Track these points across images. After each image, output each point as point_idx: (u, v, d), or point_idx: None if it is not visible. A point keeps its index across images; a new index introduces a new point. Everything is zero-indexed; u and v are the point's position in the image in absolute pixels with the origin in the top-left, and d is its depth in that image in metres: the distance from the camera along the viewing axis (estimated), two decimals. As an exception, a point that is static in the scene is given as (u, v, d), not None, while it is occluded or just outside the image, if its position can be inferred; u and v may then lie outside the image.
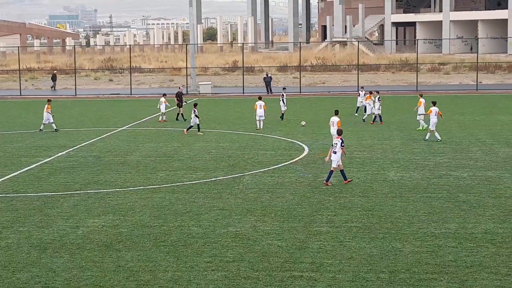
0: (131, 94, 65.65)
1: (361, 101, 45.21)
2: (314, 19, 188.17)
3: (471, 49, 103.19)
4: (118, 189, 24.91)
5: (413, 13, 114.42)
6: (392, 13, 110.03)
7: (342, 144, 25.00)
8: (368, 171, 27.37)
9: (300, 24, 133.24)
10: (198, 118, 38.40)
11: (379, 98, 41.29)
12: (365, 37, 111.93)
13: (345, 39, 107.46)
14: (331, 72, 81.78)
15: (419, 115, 38.31)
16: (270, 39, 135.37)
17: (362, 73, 71.69)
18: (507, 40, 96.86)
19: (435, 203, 22.02)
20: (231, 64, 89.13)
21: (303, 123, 41.23)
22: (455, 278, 15.44)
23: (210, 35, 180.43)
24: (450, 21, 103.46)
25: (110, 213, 21.53)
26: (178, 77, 79.83)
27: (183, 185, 25.44)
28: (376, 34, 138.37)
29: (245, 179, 26.27)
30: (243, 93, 65.03)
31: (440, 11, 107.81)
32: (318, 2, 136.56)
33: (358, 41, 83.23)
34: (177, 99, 45.20)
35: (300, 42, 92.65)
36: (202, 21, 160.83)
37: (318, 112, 47.98)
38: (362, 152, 31.67)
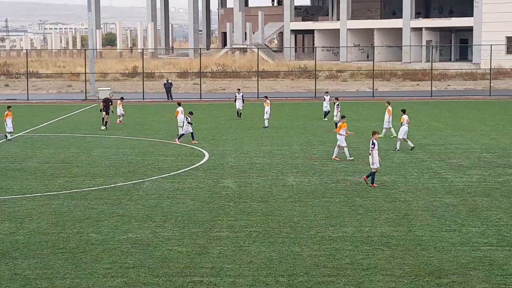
0: (28, 100, 64.21)
1: (326, 106, 46.57)
2: (214, 25, 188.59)
3: (368, 57, 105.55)
4: (14, 196, 24.35)
5: (311, 21, 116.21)
6: (291, 21, 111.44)
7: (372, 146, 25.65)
8: (268, 176, 27.65)
9: (201, 31, 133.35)
10: (191, 124, 36.80)
11: (337, 105, 41.43)
12: (265, 44, 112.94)
13: (245, 46, 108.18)
14: (231, 79, 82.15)
15: (388, 122, 38.01)
16: (171, 45, 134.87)
17: (262, 79, 72.30)
18: (401, 49, 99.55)
19: (332, 208, 22.44)
20: (131, 70, 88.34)
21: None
22: (352, 281, 15.79)
23: (110, 41, 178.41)
24: (347, 29, 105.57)
25: (6, 220, 21.03)
26: (77, 82, 78.60)
27: (81, 192, 25.09)
28: (276, 42, 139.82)
29: (145, 185, 26.12)
30: (143, 99, 64.59)
31: (338, 19, 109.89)
32: (218, 9, 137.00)
33: (258, 48, 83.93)
34: (103, 105, 44.08)
35: (200, 49, 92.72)
36: (101, 26, 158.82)
37: (218, 118, 48.14)
38: (262, 158, 31.96)
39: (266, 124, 42.45)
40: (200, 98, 63.57)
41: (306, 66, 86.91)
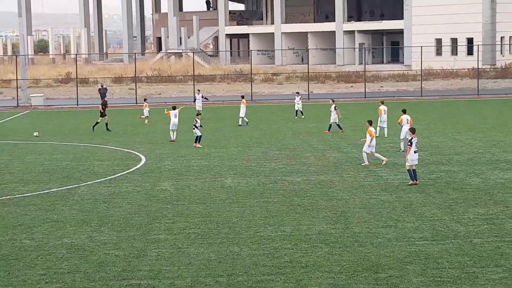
0: (-42, 108, 62.77)
1: (298, 104, 48.22)
2: (149, 31, 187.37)
3: (302, 60, 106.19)
4: None
5: (246, 25, 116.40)
6: (226, 25, 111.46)
7: (409, 143, 25.39)
8: (206, 178, 27.56)
9: (135, 37, 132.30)
10: (198, 128, 35.90)
11: (335, 107, 41.15)
12: (200, 49, 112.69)
13: (181, 51, 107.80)
14: (167, 83, 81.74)
15: (383, 121, 38.10)
16: (105, 51, 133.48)
17: (198, 83, 72.04)
18: (335, 51, 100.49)
19: (271, 207, 22.48)
20: (64, 76, 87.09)
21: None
22: (291, 278, 15.83)
23: (42, 47, 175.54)
24: (282, 33, 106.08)
25: None
26: (8, 89, 77.12)
27: (14, 198, 24.61)
28: (211, 46, 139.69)
29: (80, 190, 25.77)
30: (77, 104, 63.81)
31: (272, 23, 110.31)
32: (152, 14, 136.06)
33: (193, 53, 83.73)
34: (102, 108, 44.07)
35: (135, 53, 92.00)
36: (33, 33, 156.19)
37: (153, 123, 47.77)
38: (199, 160, 31.85)
39: (240, 123, 44.55)
40: (136, 103, 63.06)
41: (241, 69, 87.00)
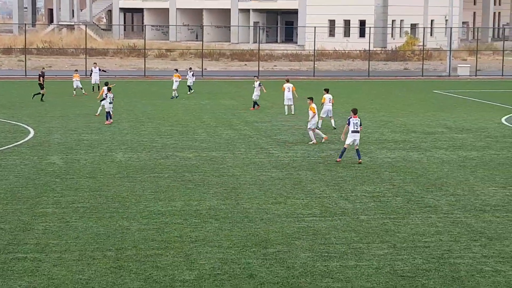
0: None
1: (190, 79, 48.66)
2: (40, 3, 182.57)
3: (197, 37, 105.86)
4: None
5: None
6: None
7: (361, 124, 25.72)
8: (96, 153, 27.17)
9: (26, 8, 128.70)
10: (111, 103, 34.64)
11: (259, 83, 40.65)
12: (93, 22, 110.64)
13: (73, 23, 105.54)
14: (58, 56, 79.93)
15: (288, 99, 38.42)
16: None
17: (90, 57, 70.69)
18: (230, 29, 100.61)
19: (161, 183, 22.40)
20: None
21: None
22: (180, 253, 15.84)
23: None
24: (177, 9, 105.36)
25: None
26: None
27: None
28: (104, 20, 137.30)
29: (-35, 163, 24.94)
30: (-37, 75, 61.58)
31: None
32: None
33: (86, 25, 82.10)
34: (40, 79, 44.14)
35: (25, 24, 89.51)
36: None
37: (46, 96, 46.61)
38: (90, 134, 31.35)
39: (173, 95, 45.89)
40: (25, 75, 61.40)
41: (135, 44, 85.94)
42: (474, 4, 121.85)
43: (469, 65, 70.14)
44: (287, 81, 39.55)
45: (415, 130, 33.88)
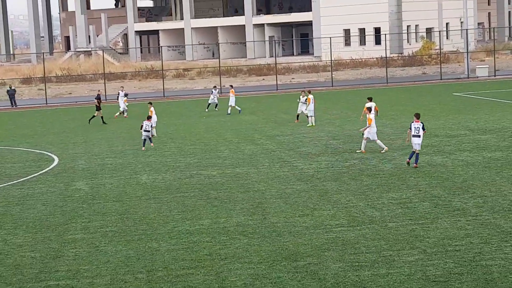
0: None
1: (213, 98, 48.84)
2: (56, 31, 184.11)
3: (213, 54, 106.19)
4: None
5: (155, 21, 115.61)
6: (135, 22, 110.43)
7: (424, 128, 25.98)
8: (121, 176, 27.31)
9: (42, 37, 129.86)
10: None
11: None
12: (110, 47, 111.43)
13: (90, 49, 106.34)
14: (78, 82, 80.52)
15: (310, 110, 38.25)
16: (12, 52, 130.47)
17: (109, 81, 71.23)
18: (245, 45, 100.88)
19: (188, 202, 22.46)
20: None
21: None
22: (211, 271, 15.87)
23: None
24: (192, 28, 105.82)
25: None
26: None
27: None
28: (121, 44, 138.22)
29: (-8, 194, 25.16)
30: (-15, 107, 62.15)
31: (182, 19, 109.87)
32: (59, 13, 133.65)
33: (103, 50, 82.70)
34: (97, 102, 45.14)
35: (43, 53, 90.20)
36: None
37: (65, 123, 47.03)
38: (114, 158, 31.53)
39: (229, 111, 46.57)
40: (46, 103, 61.91)
41: (152, 66, 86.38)
42: (488, 5, 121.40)
43: (487, 66, 69.82)
44: (309, 92, 39.35)
45: (437, 134, 33.75)
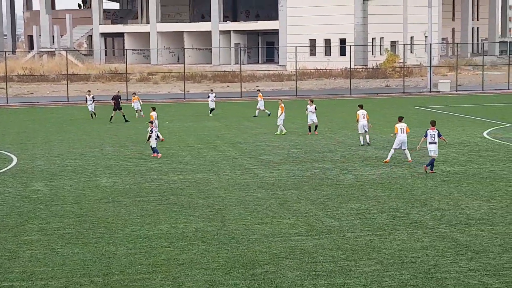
0: None
1: (211, 102, 49.59)
2: (20, 30, 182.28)
3: (178, 59, 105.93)
4: None
5: (121, 24, 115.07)
6: (100, 24, 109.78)
7: (440, 134, 26.79)
8: (80, 178, 27.09)
9: (5, 35, 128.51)
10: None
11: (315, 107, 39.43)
12: (74, 48, 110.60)
13: (53, 49, 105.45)
14: (40, 82, 79.81)
15: (280, 119, 38.40)
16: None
17: (72, 83, 70.67)
18: (211, 51, 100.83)
19: (147, 206, 22.36)
20: None
21: None
22: (168, 276, 15.81)
23: None
24: (157, 32, 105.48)
25: None
26: None
27: None
28: (85, 45, 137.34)
29: None
30: None
31: (148, 22, 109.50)
32: (23, 12, 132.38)
33: (67, 51, 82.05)
34: (114, 103, 46.16)
35: (5, 51, 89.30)
36: None
37: (25, 123, 46.55)
38: (74, 160, 31.27)
39: (256, 114, 47.90)
40: (7, 103, 61.23)
41: (116, 69, 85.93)
42: (453, 20, 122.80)
43: (449, 81, 70.61)
44: (281, 100, 39.70)
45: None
